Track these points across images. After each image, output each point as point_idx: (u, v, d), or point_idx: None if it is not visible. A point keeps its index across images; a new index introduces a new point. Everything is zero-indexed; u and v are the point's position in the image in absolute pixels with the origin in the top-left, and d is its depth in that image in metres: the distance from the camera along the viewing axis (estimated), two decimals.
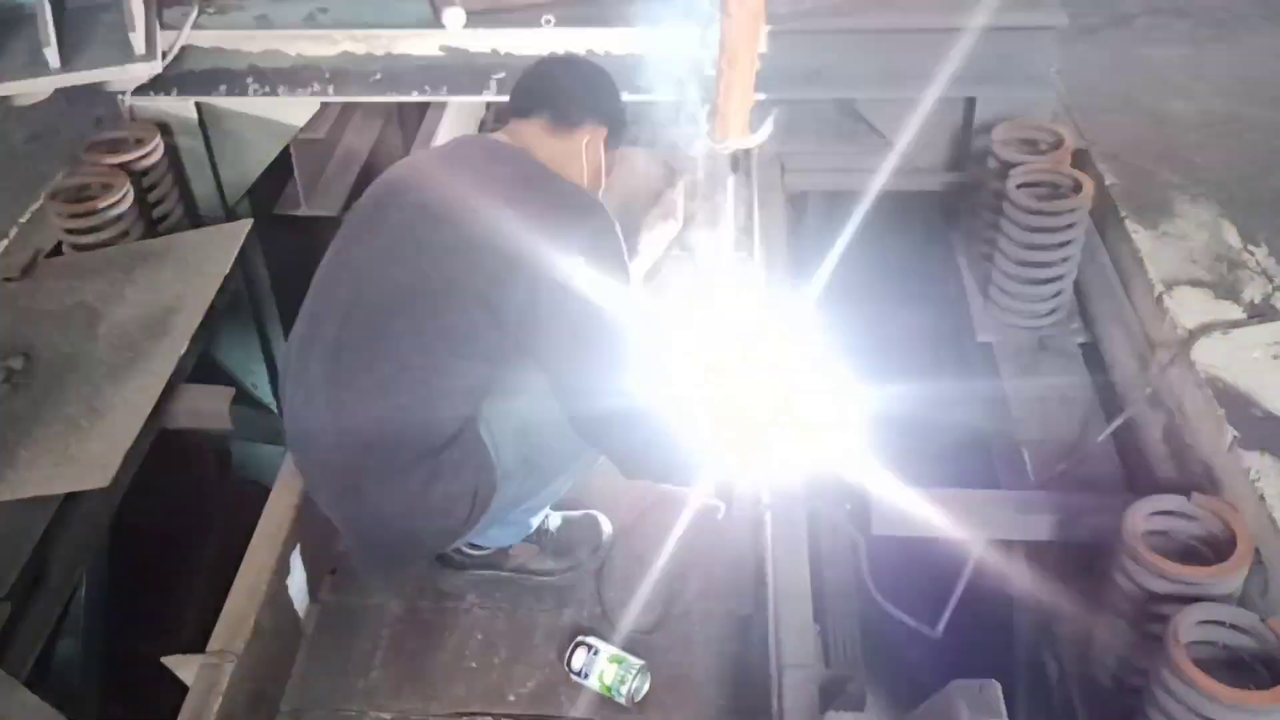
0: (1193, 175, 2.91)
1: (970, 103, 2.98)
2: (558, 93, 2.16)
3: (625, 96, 2.87)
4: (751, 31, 2.13)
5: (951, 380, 2.92)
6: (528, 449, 2.05)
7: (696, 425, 2.16)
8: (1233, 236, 2.70)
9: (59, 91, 3.00)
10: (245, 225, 2.77)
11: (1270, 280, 2.56)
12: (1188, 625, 1.66)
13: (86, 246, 2.76)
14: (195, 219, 3.19)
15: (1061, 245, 2.62)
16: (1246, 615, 1.68)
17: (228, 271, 2.57)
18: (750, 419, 2.36)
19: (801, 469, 2.23)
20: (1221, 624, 1.68)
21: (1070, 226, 2.60)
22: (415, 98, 3.02)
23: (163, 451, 2.79)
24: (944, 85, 2.91)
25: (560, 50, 2.98)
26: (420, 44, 3.00)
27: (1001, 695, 1.48)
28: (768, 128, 2.62)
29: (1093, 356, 2.70)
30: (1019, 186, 2.64)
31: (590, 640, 2.18)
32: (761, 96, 2.93)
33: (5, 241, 2.88)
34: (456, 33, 2.94)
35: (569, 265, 1.92)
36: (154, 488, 2.93)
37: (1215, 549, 1.85)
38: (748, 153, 2.95)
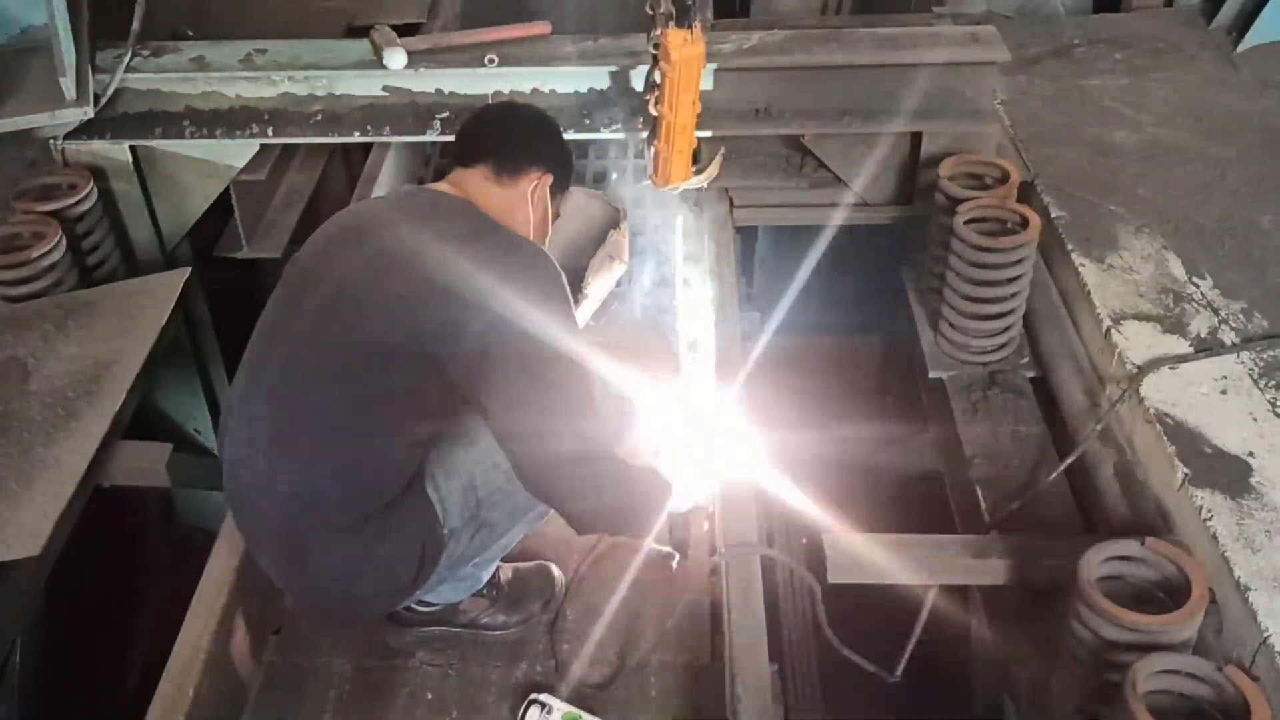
0: (1136, 207, 2.94)
1: (917, 137, 2.98)
2: (500, 141, 2.13)
3: (570, 135, 2.87)
4: (690, 78, 2.11)
5: (903, 419, 2.91)
6: (476, 505, 2.01)
7: (648, 475, 2.12)
8: (1178, 268, 2.72)
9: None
10: (183, 274, 2.70)
11: (1215, 313, 2.57)
12: (1145, 675, 1.65)
13: (18, 298, 2.67)
14: (132, 265, 3.11)
15: (1010, 281, 2.62)
16: (1203, 665, 1.67)
17: (164, 322, 2.50)
18: (702, 465, 2.33)
19: (753, 516, 2.21)
20: (1179, 673, 1.67)
21: (1018, 262, 2.60)
22: (357, 138, 2.98)
23: (102, 504, 2.73)
24: (888, 120, 2.93)
25: (504, 90, 2.95)
26: (362, 84, 2.95)
27: None
28: (714, 167, 2.61)
29: (1043, 391, 2.70)
30: (966, 223, 2.63)
31: (544, 698, 2.13)
32: (707, 134, 2.95)
33: None
34: (399, 72, 2.89)
35: (515, 316, 1.88)
36: (92, 543, 2.86)
37: (1171, 593, 1.84)
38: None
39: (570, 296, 2.01)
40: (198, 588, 2.13)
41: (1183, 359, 2.42)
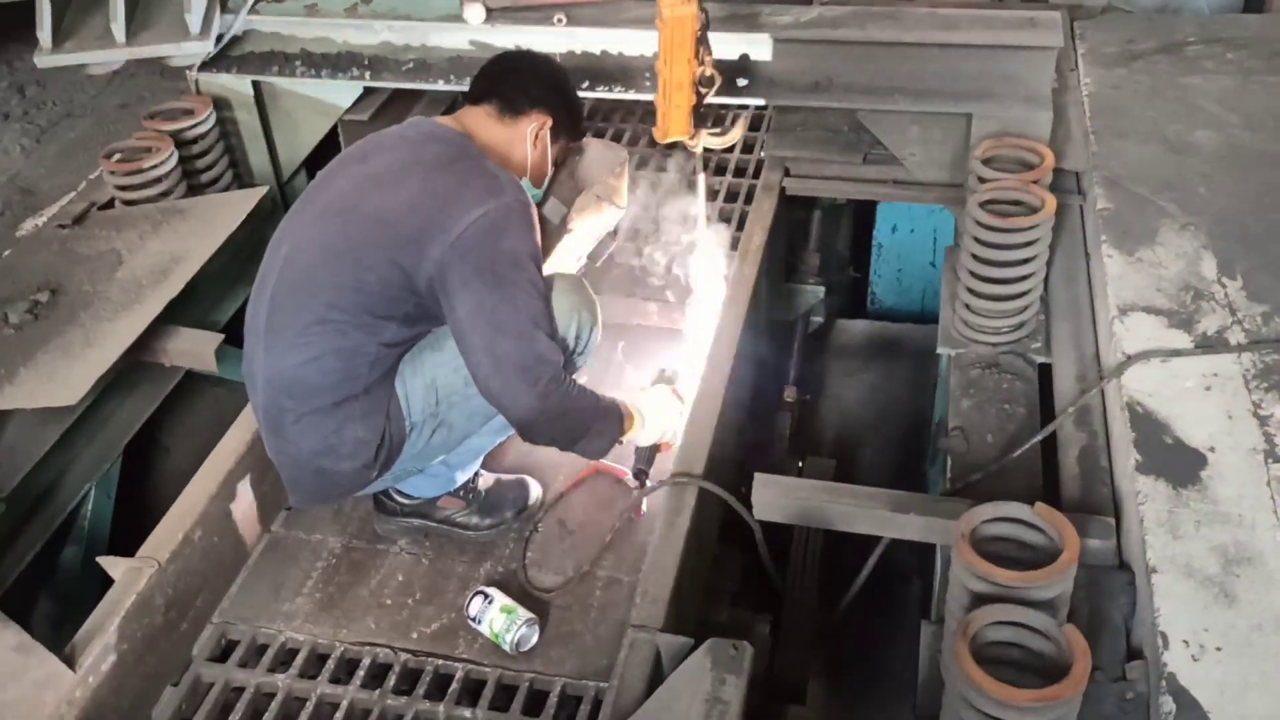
0: (1189, 206, 2.85)
1: (969, 119, 3.00)
2: (507, 83, 2.35)
3: (633, 96, 3.05)
4: (682, 37, 2.25)
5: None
6: (435, 403, 2.23)
7: (597, 399, 2.28)
8: (1209, 268, 2.64)
9: (150, 66, 3.37)
10: (259, 192, 3.05)
11: (1232, 313, 2.50)
12: (981, 624, 1.70)
13: (132, 202, 3.09)
14: (246, 186, 3.50)
15: (1020, 263, 2.62)
16: (1042, 619, 1.70)
17: (233, 230, 2.85)
18: (674, 397, 2.47)
19: (706, 449, 2.34)
20: (1021, 626, 1.71)
21: (1029, 245, 2.60)
22: (440, 86, 3.26)
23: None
24: (939, 100, 2.96)
25: (576, 49, 3.16)
26: (449, 36, 3.23)
27: (752, 657, 1.56)
28: (737, 131, 2.73)
29: (1048, 377, 2.69)
30: (986, 203, 2.65)
31: (489, 590, 2.33)
32: (760, 103, 3.07)
33: (73, 194, 3.26)
34: (480, 27, 3.15)
35: (475, 235, 2.09)
36: (178, 423, 3.27)
37: (1052, 560, 1.86)
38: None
39: (535, 224, 2.19)
40: (211, 453, 2.45)
41: (1177, 353, 2.37)
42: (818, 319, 3.61)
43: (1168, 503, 2.05)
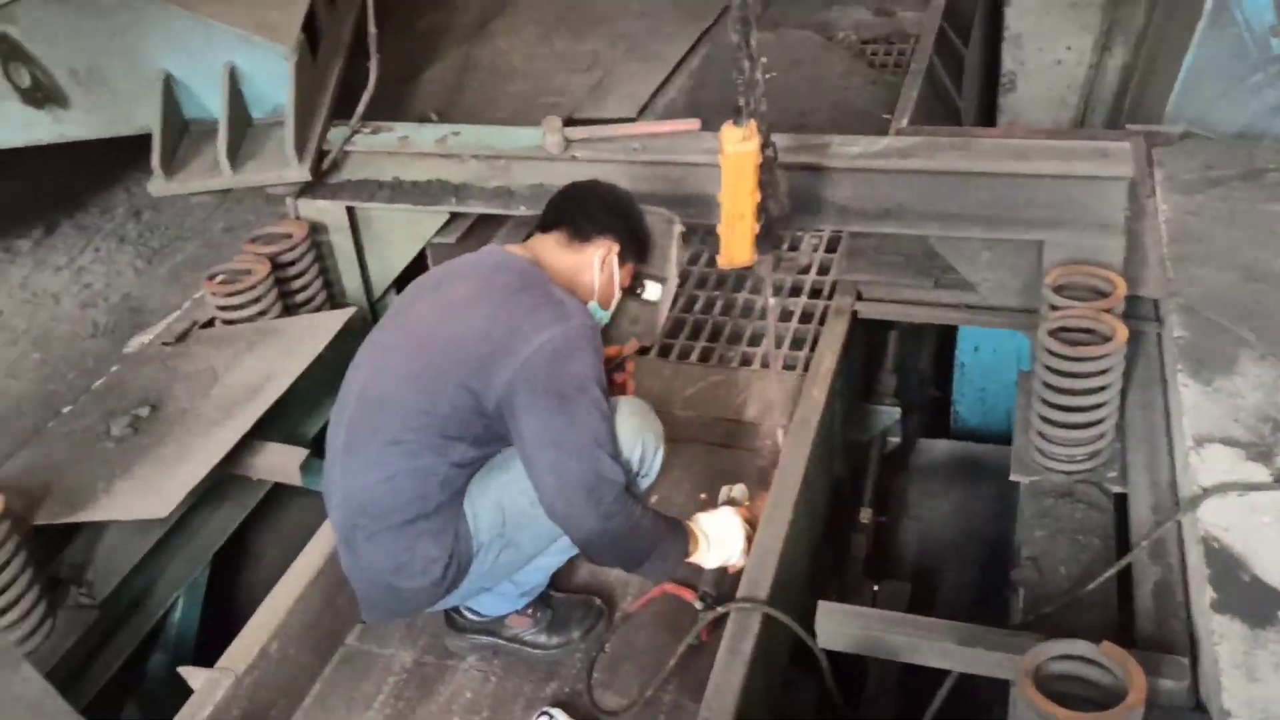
0: (1269, 335, 2.80)
1: (1041, 246, 3.01)
2: (575, 211, 2.46)
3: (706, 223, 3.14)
4: (742, 172, 2.33)
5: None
6: (503, 525, 2.29)
7: (662, 520, 2.32)
8: None
9: (254, 192, 3.59)
10: (348, 312, 3.20)
11: None
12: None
13: (231, 321, 3.26)
14: (338, 306, 3.66)
15: (1092, 391, 2.61)
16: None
17: (320, 350, 2.98)
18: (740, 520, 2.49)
19: (773, 570, 2.35)
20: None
21: (1101, 374, 2.59)
22: (522, 211, 3.39)
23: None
24: (1010, 228, 2.99)
25: (651, 177, 3.27)
26: (532, 166, 3.37)
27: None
28: (801, 259, 2.79)
29: (1124, 507, 2.64)
30: (1056, 331, 2.66)
31: (553, 712, 2.35)
32: (829, 228, 3.14)
33: (176, 314, 3.46)
34: (560, 157, 3.29)
35: (542, 362, 2.17)
36: (267, 530, 3.38)
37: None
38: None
39: (600, 348, 2.27)
40: (291, 566, 2.54)
41: (1255, 487, 2.32)
42: (894, 439, 3.60)
43: (1245, 643, 1.99)
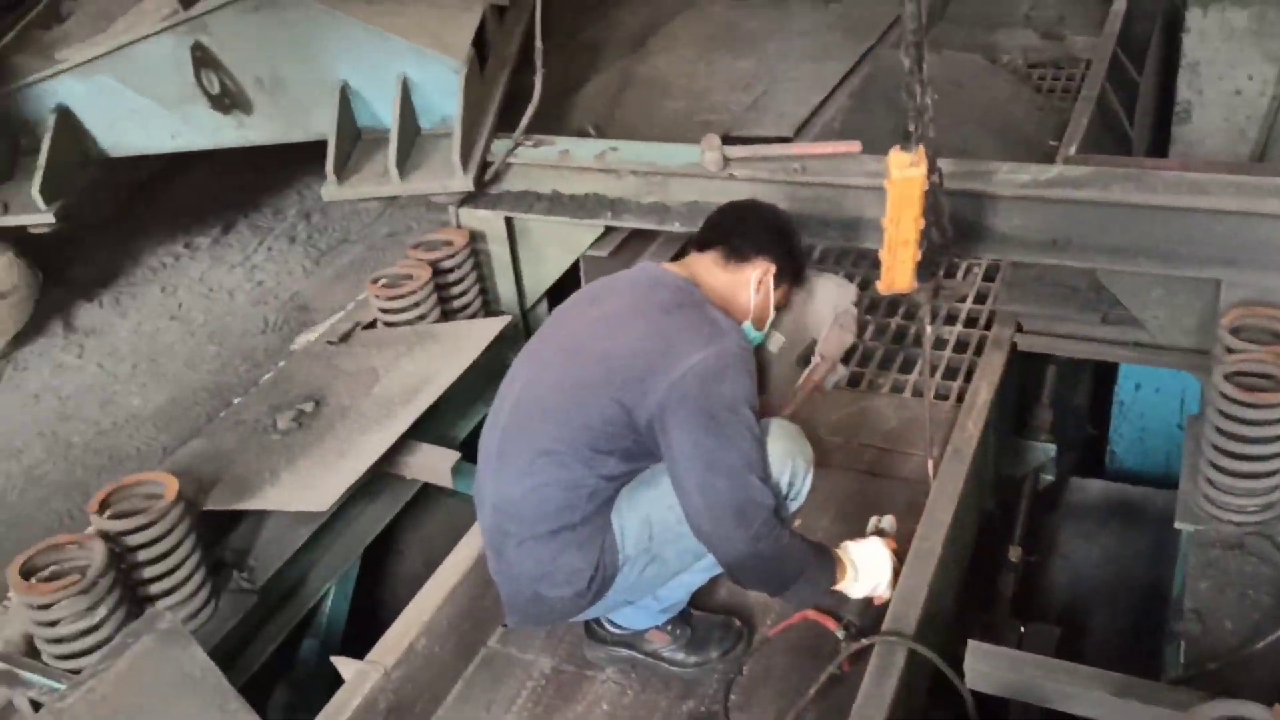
0: None
1: (1217, 284, 2.88)
2: (733, 231, 2.46)
3: (866, 245, 3.12)
4: (908, 198, 2.29)
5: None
6: (649, 540, 2.30)
7: (810, 547, 2.29)
8: None
9: (418, 199, 3.71)
10: (503, 321, 3.27)
11: None
12: None
13: (392, 324, 3.37)
14: (492, 313, 3.74)
15: (1270, 441, 2.48)
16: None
17: (476, 356, 3.05)
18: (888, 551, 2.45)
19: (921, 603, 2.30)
20: None
21: (1278, 423, 2.46)
22: (676, 228, 3.41)
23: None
24: (1184, 264, 2.87)
25: (810, 198, 3.25)
26: (689, 184, 3.39)
27: None
28: (963, 287, 2.74)
29: None
30: (1232, 376, 2.53)
31: None
32: (993, 257, 3.07)
33: (341, 314, 3.59)
34: (717, 175, 3.29)
35: (695, 380, 2.18)
36: (412, 529, 3.47)
37: None
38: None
39: (753, 370, 2.26)
40: (440, 566, 2.60)
41: None
42: (1048, 477, 3.49)
43: None
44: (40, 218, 3.56)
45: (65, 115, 3.63)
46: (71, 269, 4.00)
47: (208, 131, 3.64)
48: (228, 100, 3.54)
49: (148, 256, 4.14)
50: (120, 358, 3.60)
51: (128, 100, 3.61)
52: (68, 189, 3.62)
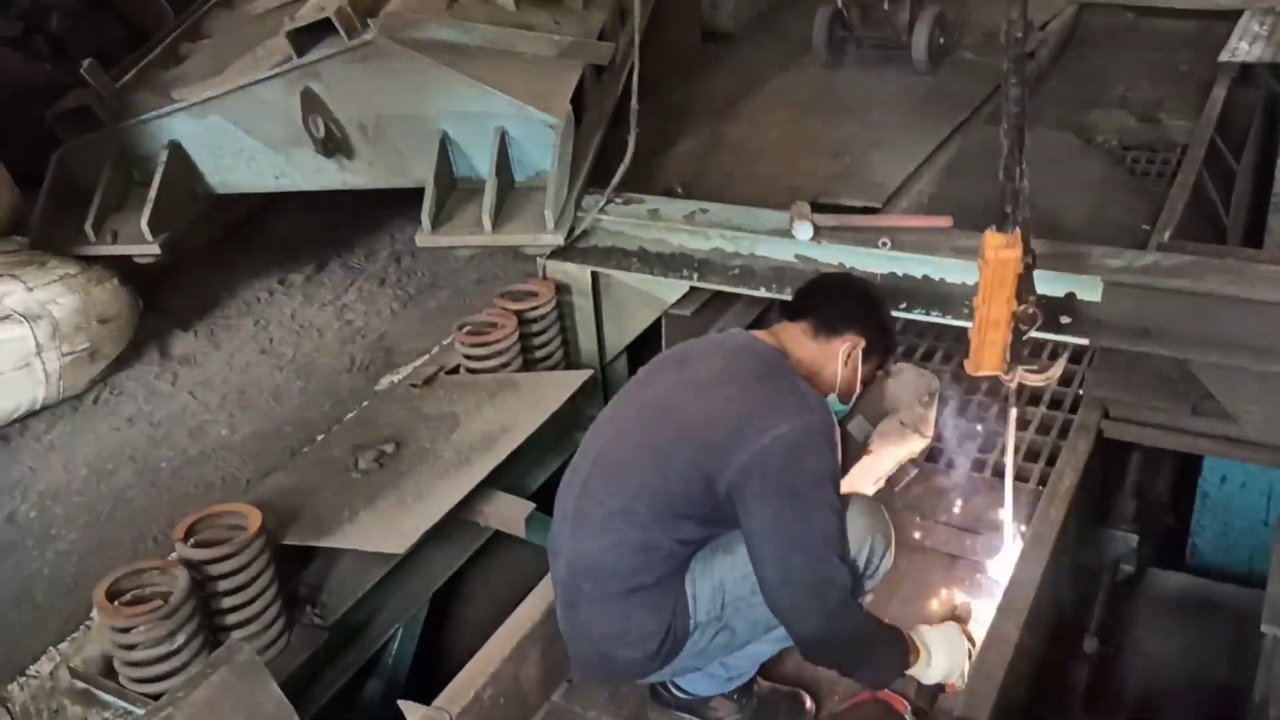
0: None
1: None
2: (825, 302, 2.47)
3: (952, 322, 3.10)
4: (1003, 277, 2.29)
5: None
6: (721, 607, 2.30)
7: (884, 628, 2.27)
8: None
9: (507, 249, 3.78)
10: (584, 375, 3.31)
11: None
12: None
13: (475, 370, 3.42)
14: (572, 366, 3.78)
15: None
16: None
17: (557, 408, 3.08)
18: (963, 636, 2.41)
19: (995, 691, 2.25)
20: None
21: None
22: (762, 293, 3.43)
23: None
24: None
25: (899, 272, 3.25)
26: (776, 249, 3.40)
27: None
28: (1056, 369, 2.70)
29: None
30: None
31: None
32: (1084, 341, 3.03)
33: (425, 357, 3.66)
34: (806, 243, 3.31)
35: (778, 452, 2.18)
36: (480, 575, 3.50)
37: None
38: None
39: (838, 445, 2.25)
40: (510, 616, 2.62)
41: None
42: (1128, 568, 3.41)
43: None
44: (146, 248, 3.70)
45: (177, 151, 3.76)
46: (170, 299, 4.13)
47: (310, 173, 3.75)
48: (332, 144, 3.65)
49: (243, 290, 4.26)
50: (211, 387, 3.70)
51: (237, 140, 3.73)
52: (173, 222, 3.75)
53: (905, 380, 2.60)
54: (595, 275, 3.73)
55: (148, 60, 4.14)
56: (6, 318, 3.42)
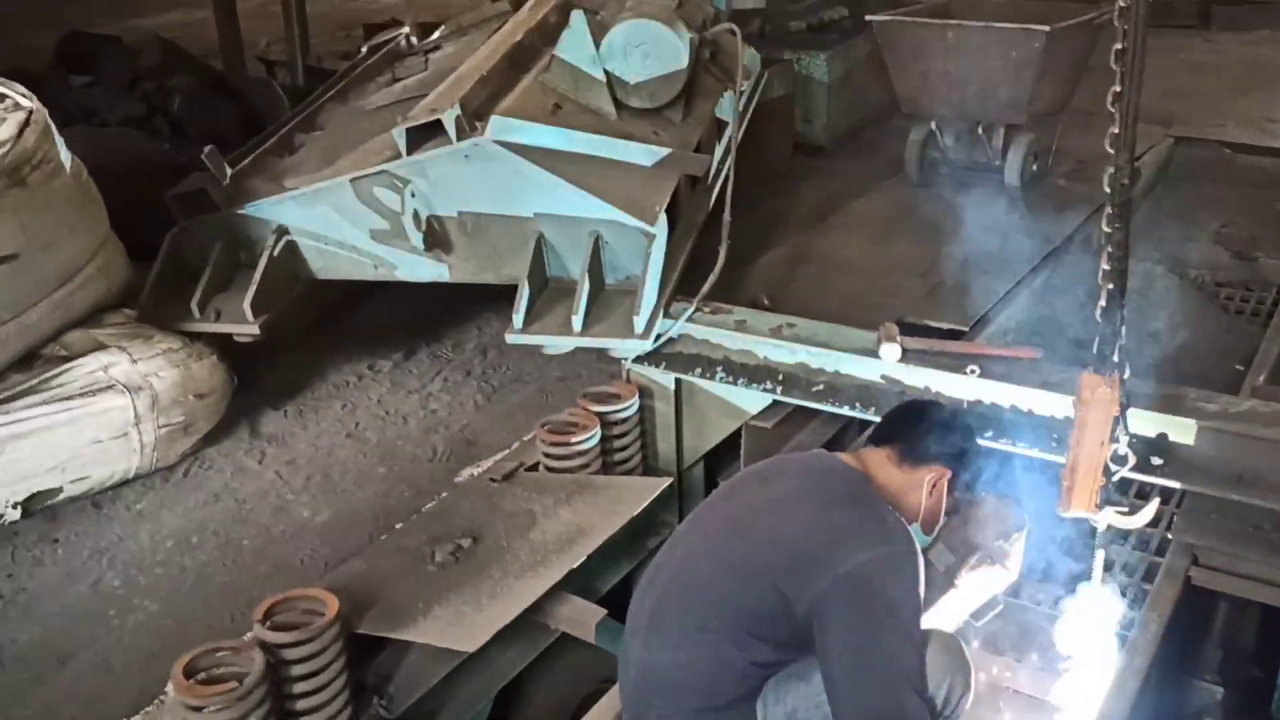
0: None
1: None
2: (913, 430, 2.46)
3: (1038, 453, 3.07)
4: (1099, 419, 2.27)
5: None
6: None
7: None
8: None
9: (592, 350, 3.85)
10: (663, 483, 3.32)
11: None
12: None
13: (554, 470, 3.46)
14: (650, 470, 3.80)
15: None
16: None
17: (635, 514, 3.09)
18: None
19: None
20: None
21: None
22: (845, 411, 3.42)
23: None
24: None
25: (986, 399, 3.23)
26: (862, 368, 3.41)
27: None
28: (1147, 513, 2.65)
29: None
30: None
31: None
32: (1175, 484, 2.98)
33: (506, 452, 3.70)
34: (893, 365, 3.31)
35: (860, 581, 2.16)
36: (544, 675, 3.48)
37: None
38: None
39: (921, 576, 2.23)
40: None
41: None
42: None
43: None
44: (247, 328, 3.82)
45: (284, 237, 3.91)
46: (263, 377, 4.25)
47: (408, 265, 3.87)
48: (431, 239, 3.76)
49: (333, 373, 4.36)
50: (297, 468, 3.78)
51: (341, 229, 3.87)
52: (274, 304, 3.88)
53: (990, 512, 2.56)
54: (678, 381, 3.77)
55: (263, 148, 4.34)
56: (110, 387, 3.55)
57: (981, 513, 2.57)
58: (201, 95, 6.10)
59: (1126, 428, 2.49)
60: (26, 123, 3.53)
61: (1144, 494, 3.38)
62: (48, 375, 3.54)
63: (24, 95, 3.66)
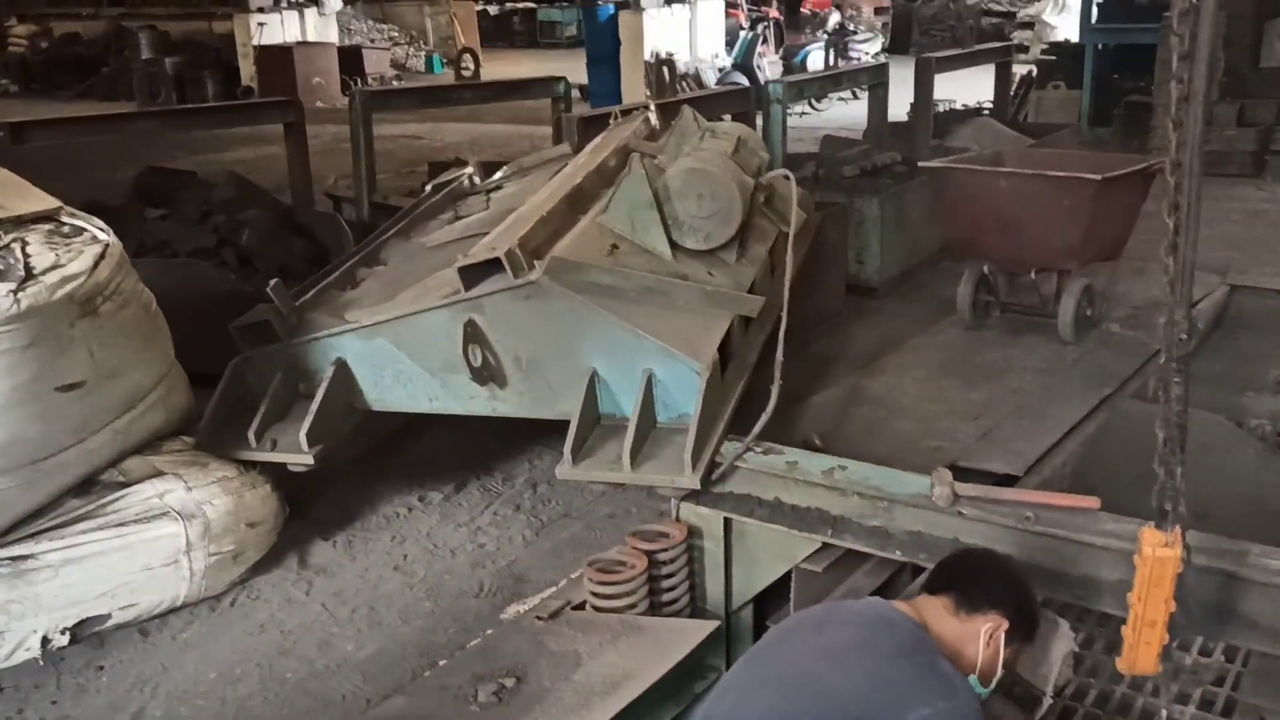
0: None
1: None
2: (969, 580, 2.42)
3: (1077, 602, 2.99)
4: (1161, 575, 2.21)
5: None
6: None
7: None
8: None
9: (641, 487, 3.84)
10: (711, 625, 3.25)
11: None
12: None
13: (601, 609, 3.41)
14: (697, 611, 3.73)
15: None
16: None
17: (680, 659, 3.03)
18: None
19: None
20: None
21: None
22: (897, 556, 3.37)
23: None
24: None
25: (1040, 550, 3.15)
26: (915, 514, 3.36)
27: None
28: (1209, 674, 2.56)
29: None
30: None
31: None
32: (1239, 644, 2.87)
33: (553, 589, 3.67)
34: (947, 511, 3.26)
35: None
36: None
37: None
38: None
39: None
40: None
41: None
42: None
43: None
44: (302, 458, 3.87)
45: (342, 369, 3.99)
46: (314, 507, 4.28)
47: (463, 399, 3.92)
48: (486, 373, 3.82)
49: (383, 505, 4.39)
50: (343, 600, 3.77)
51: (398, 362, 3.95)
52: (329, 435, 3.94)
53: (1050, 637, 2.50)
54: (728, 521, 3.73)
55: (326, 282, 4.46)
56: (164, 514, 3.60)
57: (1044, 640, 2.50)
58: (270, 229, 6.30)
59: (1188, 582, 2.42)
60: (102, 255, 3.66)
61: (1206, 651, 3.29)
62: (104, 501, 3.59)
63: (101, 229, 3.81)
